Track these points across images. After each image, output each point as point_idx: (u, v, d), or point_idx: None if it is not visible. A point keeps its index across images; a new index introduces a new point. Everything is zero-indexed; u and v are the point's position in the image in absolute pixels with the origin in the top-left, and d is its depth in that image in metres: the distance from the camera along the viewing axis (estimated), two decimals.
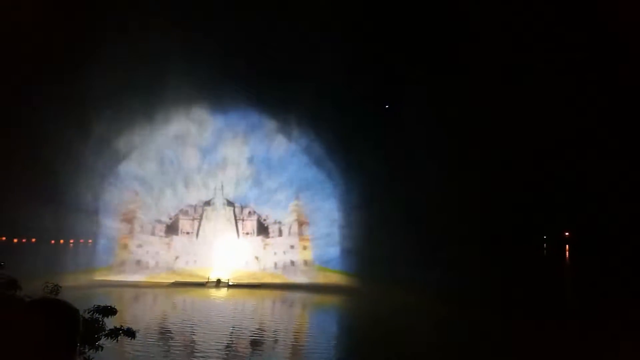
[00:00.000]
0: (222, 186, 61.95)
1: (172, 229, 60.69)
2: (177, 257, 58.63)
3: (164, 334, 24.38)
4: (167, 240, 59.43)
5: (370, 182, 46.00)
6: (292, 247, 60.73)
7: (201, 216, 62.01)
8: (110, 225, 55.99)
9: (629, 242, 42.58)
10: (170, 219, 60.91)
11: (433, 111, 40.84)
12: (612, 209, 42.38)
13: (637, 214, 40.70)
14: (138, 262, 56.37)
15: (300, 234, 61.15)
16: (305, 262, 59.39)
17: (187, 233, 61.13)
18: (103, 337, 9.95)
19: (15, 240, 44.32)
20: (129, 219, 58.39)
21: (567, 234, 60.40)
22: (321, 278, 55.37)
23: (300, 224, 61.39)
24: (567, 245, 62.41)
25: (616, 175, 40.77)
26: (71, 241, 51.69)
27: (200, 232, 61.16)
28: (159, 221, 59.97)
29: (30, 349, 2.20)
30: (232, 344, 23.73)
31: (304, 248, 60.39)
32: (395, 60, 40.52)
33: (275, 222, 61.81)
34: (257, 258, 59.89)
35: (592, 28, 36.56)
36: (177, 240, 59.89)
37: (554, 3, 37.51)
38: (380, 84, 43.15)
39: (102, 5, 37.76)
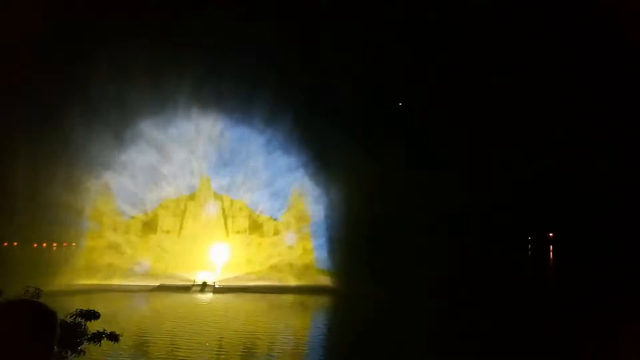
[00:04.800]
0: (208, 176, 55.21)
1: (149, 226, 54.59)
2: (155, 259, 52.88)
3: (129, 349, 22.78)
4: (143, 239, 53.55)
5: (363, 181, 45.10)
6: (290, 247, 54.23)
7: (184, 211, 55.52)
8: (86, 226, 51.87)
9: (613, 243, 43.13)
10: (148, 214, 54.69)
11: (421, 112, 41.03)
12: (595, 209, 42.88)
13: (621, 215, 41.24)
14: (110, 265, 50.69)
15: (300, 232, 54.67)
16: (306, 266, 53.31)
17: (168, 231, 55.04)
18: (85, 341, 9.79)
19: None
20: (99, 216, 52.42)
21: (550, 234, 61.03)
22: (320, 281, 50.69)
23: (300, 220, 54.85)
24: (550, 246, 63.10)
25: (599, 177, 41.27)
26: (54, 244, 50.17)
27: (183, 230, 55.14)
28: (135, 217, 53.92)
29: (5, 350, 2.21)
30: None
31: (304, 249, 54.22)
32: (386, 59, 40.64)
33: (270, 219, 55.17)
34: (249, 260, 53.92)
35: (582, 29, 37.00)
36: (156, 239, 53.97)
37: (543, 4, 37.97)
38: (377, 84, 42.96)
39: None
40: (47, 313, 2.35)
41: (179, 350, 23.55)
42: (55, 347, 2.35)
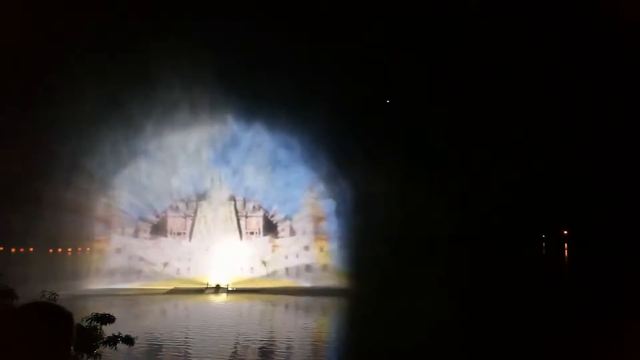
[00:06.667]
0: (220, 176, 53.98)
1: (159, 229, 53.72)
2: (166, 264, 52.33)
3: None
4: (153, 242, 52.86)
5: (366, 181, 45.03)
6: (306, 248, 53.04)
7: (195, 213, 54.53)
8: (99, 231, 51.98)
9: (627, 240, 42.93)
10: (157, 217, 53.85)
11: (427, 111, 41.11)
12: (610, 207, 42.77)
13: (634, 212, 41.09)
14: (122, 269, 50.44)
15: (317, 232, 53.38)
16: (324, 267, 52.21)
17: (178, 234, 54.26)
18: (101, 344, 10.11)
19: (13, 250, 44.17)
20: (111, 220, 52.03)
21: (565, 232, 60.65)
22: (337, 283, 49.64)
23: (317, 220, 53.54)
24: (565, 244, 62.67)
25: (613, 174, 41.19)
26: (69, 250, 50.68)
27: (195, 233, 54.24)
28: (144, 220, 53.15)
29: (21, 353, 2.25)
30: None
31: (321, 250, 52.93)
32: (383, 59, 40.86)
33: (285, 219, 53.86)
34: (264, 263, 53.01)
35: (578, 28, 37.01)
36: (166, 242, 53.16)
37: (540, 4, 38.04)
38: (378, 84, 43.08)
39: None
40: (62, 315, 2.39)
41: (194, 352, 23.85)
42: (71, 349, 2.41)
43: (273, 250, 53.18)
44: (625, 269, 39.62)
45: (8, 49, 35.39)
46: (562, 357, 21.87)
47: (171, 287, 49.31)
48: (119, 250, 51.32)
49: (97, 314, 10.58)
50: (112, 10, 40.00)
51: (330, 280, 50.76)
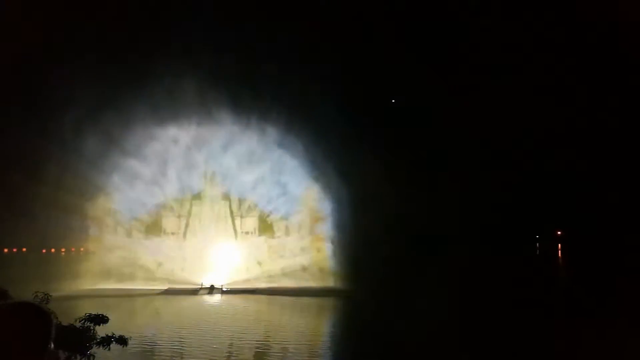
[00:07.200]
0: (214, 175, 53.69)
1: (153, 228, 53.16)
2: (160, 264, 51.59)
3: None
4: (147, 242, 52.13)
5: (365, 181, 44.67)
6: (303, 249, 52.78)
7: (189, 213, 53.96)
8: (92, 231, 51.37)
9: (622, 239, 42.87)
10: (151, 216, 53.27)
11: (427, 113, 40.93)
12: (604, 207, 42.70)
13: (629, 212, 41.03)
14: (116, 269, 49.79)
15: (313, 232, 53.20)
16: (321, 267, 51.90)
17: (173, 233, 53.58)
18: (94, 345, 9.79)
19: (6, 250, 43.62)
20: (104, 220, 51.58)
21: (559, 232, 60.57)
22: (333, 284, 49.27)
23: (313, 220, 53.41)
24: (559, 244, 62.67)
25: (607, 174, 41.14)
26: (62, 250, 50.04)
27: (189, 233, 53.74)
28: (137, 219, 52.55)
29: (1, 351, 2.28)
30: None
31: (318, 250, 52.68)
32: (383, 59, 40.68)
33: (281, 219, 53.55)
34: (259, 263, 52.65)
35: (574, 27, 36.95)
36: (160, 242, 52.51)
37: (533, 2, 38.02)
38: (378, 84, 42.84)
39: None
40: (41, 314, 2.43)
41: (187, 353, 23.51)
42: (49, 346, 2.41)
43: (269, 251, 52.72)
44: (618, 269, 39.59)
45: (8, 48, 34.99)
46: (561, 356, 21.70)
47: (165, 288, 48.89)
48: (112, 250, 50.75)
49: (90, 314, 10.36)
50: (111, 10, 39.68)
51: (327, 281, 50.45)
